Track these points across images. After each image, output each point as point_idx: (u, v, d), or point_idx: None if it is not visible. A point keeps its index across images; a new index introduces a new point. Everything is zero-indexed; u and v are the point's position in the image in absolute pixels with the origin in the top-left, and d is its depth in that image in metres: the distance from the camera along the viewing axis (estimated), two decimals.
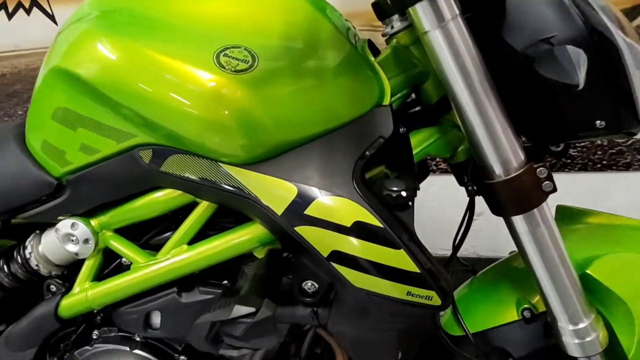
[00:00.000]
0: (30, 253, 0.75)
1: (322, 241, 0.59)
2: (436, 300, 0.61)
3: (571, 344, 0.68)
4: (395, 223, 0.59)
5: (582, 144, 1.52)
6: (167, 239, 0.70)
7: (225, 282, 0.72)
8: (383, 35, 0.72)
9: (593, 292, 0.69)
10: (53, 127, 0.66)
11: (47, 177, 0.70)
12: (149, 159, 0.63)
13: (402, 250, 0.59)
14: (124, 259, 0.74)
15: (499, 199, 0.64)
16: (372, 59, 0.67)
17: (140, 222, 0.72)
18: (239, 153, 0.60)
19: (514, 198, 0.63)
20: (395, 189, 0.58)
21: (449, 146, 0.71)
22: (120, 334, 0.77)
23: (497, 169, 0.62)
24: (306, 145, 0.61)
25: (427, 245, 0.62)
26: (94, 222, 0.71)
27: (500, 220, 0.67)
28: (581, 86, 0.55)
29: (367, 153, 0.61)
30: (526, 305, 0.74)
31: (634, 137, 0.65)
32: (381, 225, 0.58)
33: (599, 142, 1.53)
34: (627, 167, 1.54)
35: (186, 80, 0.57)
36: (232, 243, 0.67)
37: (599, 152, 1.55)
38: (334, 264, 0.60)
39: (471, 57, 0.58)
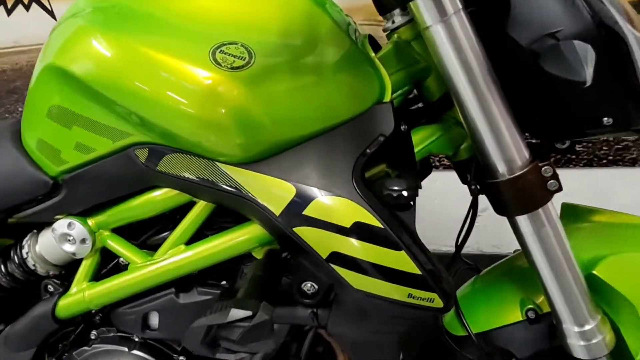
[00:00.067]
0: (27, 253, 0.75)
1: (321, 242, 0.58)
2: (438, 303, 0.60)
3: (576, 346, 0.67)
4: (396, 223, 0.58)
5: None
6: (165, 238, 0.70)
7: (224, 282, 0.71)
8: (384, 30, 0.71)
9: (599, 293, 0.68)
10: (48, 125, 0.66)
11: (43, 176, 0.69)
12: (145, 158, 0.62)
13: (403, 252, 0.58)
14: (121, 259, 0.73)
15: (503, 198, 0.63)
16: (373, 54, 0.66)
17: (138, 221, 0.71)
18: (236, 152, 0.59)
19: (518, 197, 0.62)
20: (396, 188, 0.57)
21: (452, 144, 0.70)
22: (118, 334, 0.77)
23: (501, 168, 0.61)
24: (305, 144, 0.60)
25: (430, 243, 0.61)
26: (91, 221, 0.71)
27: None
28: (588, 83, 0.53)
29: (368, 151, 0.60)
30: (530, 306, 0.73)
31: None
32: (381, 226, 0.57)
33: (604, 137, 1.51)
34: (633, 163, 1.52)
35: (181, 77, 0.56)
36: (230, 243, 0.66)
37: (604, 148, 1.53)
38: (333, 266, 0.59)
39: (474, 52, 0.57)
